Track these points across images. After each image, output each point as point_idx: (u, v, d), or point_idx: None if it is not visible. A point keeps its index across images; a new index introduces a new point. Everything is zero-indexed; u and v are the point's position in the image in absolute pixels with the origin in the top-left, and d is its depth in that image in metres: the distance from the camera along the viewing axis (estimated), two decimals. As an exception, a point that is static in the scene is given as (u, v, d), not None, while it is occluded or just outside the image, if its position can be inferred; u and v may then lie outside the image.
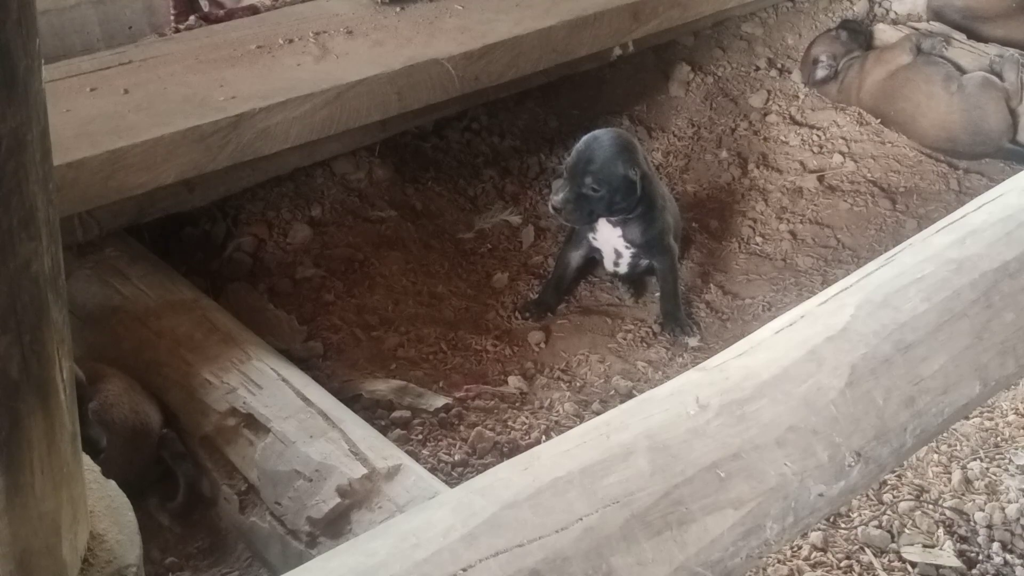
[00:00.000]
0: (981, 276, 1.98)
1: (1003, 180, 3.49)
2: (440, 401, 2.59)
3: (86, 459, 1.55)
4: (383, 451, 2.13)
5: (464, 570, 1.38)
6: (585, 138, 2.91)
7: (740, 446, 1.64)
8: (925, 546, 2.21)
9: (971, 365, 1.89)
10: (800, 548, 2.20)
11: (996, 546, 2.22)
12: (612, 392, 2.70)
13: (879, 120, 3.96)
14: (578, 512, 1.50)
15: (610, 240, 3.03)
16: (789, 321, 1.94)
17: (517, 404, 2.64)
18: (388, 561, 1.39)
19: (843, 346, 1.82)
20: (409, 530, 1.46)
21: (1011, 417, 2.59)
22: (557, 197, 2.87)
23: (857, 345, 1.83)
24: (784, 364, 1.79)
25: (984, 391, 1.92)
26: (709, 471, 1.60)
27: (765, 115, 4.03)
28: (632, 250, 3.03)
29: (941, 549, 2.20)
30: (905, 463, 2.42)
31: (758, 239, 3.41)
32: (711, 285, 3.19)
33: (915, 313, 1.90)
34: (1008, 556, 2.20)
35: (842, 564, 2.17)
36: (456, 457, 2.41)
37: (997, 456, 2.47)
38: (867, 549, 2.20)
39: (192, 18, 3.49)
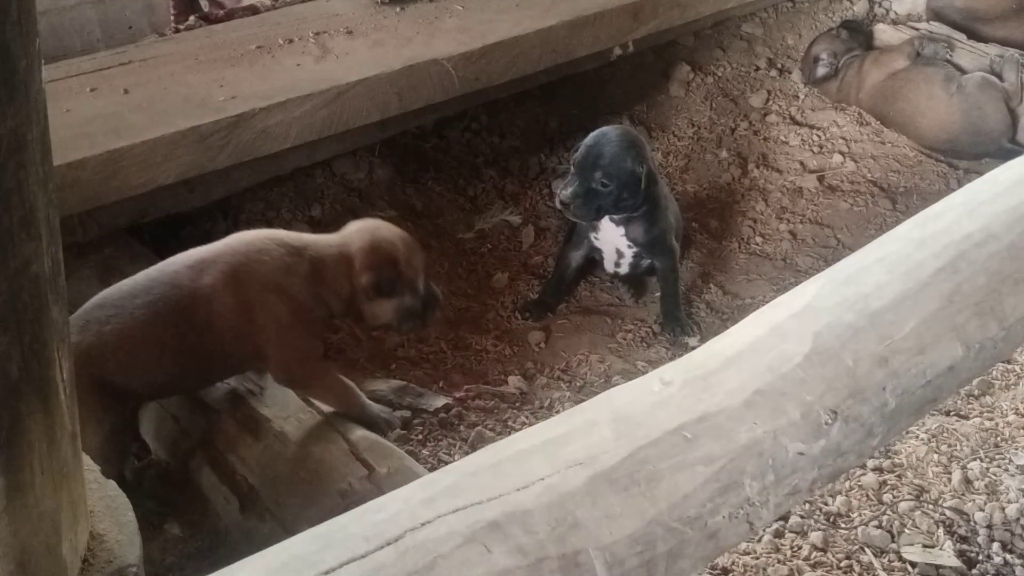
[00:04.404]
0: (944, 248, 1.99)
1: (1003, 180, 3.48)
2: (440, 401, 2.59)
3: (86, 459, 1.55)
4: (383, 451, 2.13)
5: (422, 524, 1.39)
6: (594, 133, 2.91)
7: (706, 410, 1.65)
8: (925, 546, 2.21)
9: (945, 325, 1.88)
10: (800, 548, 2.20)
11: (996, 546, 2.22)
12: (612, 392, 2.70)
13: (878, 121, 3.96)
14: (539, 474, 1.50)
15: (612, 240, 3.03)
16: (753, 314, 1.95)
17: (517, 404, 2.64)
18: (347, 523, 1.42)
19: (805, 320, 1.83)
20: (375, 505, 1.49)
21: (1011, 417, 2.59)
22: (566, 191, 2.86)
23: (820, 316, 1.83)
24: (748, 341, 1.80)
25: (970, 354, 1.91)
26: (675, 433, 1.60)
27: (765, 115, 4.03)
28: (634, 249, 3.03)
29: (941, 549, 2.20)
30: (905, 462, 2.42)
31: (758, 239, 3.41)
32: (711, 285, 3.19)
33: (878, 285, 1.90)
34: (1008, 556, 2.20)
35: (842, 564, 2.17)
36: (456, 457, 2.41)
37: (997, 456, 2.47)
38: (867, 549, 2.20)
39: (192, 18, 3.49)
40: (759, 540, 2.19)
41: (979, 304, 1.93)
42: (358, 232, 2.22)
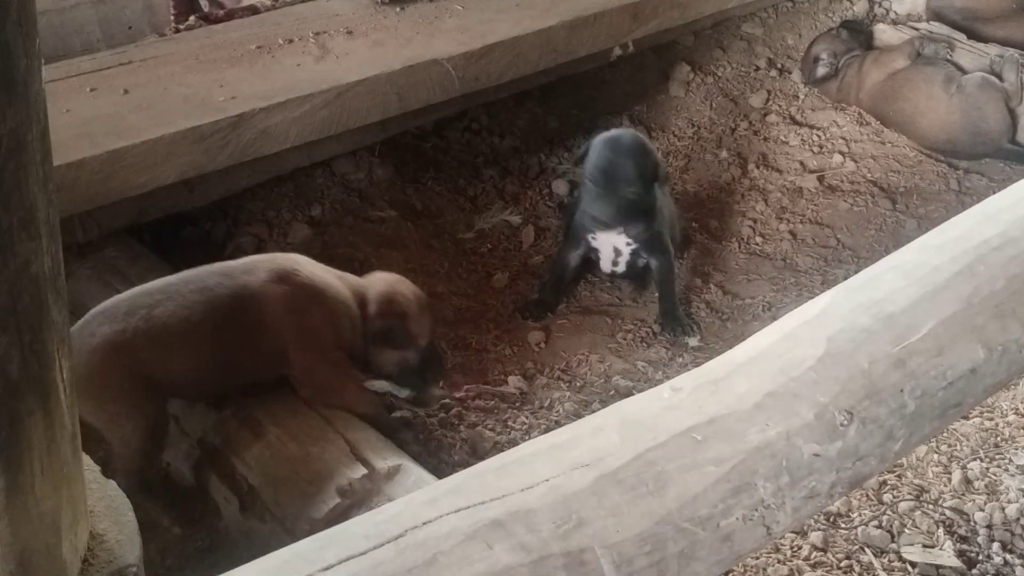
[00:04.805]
0: (961, 253, 1.99)
1: (1003, 180, 3.49)
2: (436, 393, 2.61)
3: (86, 459, 1.54)
4: (383, 451, 2.13)
5: (424, 523, 1.40)
6: (608, 144, 2.91)
7: (715, 413, 1.64)
8: (925, 546, 2.21)
9: (964, 327, 1.87)
10: (800, 548, 2.20)
11: (996, 546, 2.22)
12: (612, 392, 2.70)
13: (878, 121, 3.96)
14: (544, 475, 1.51)
15: (611, 239, 3.03)
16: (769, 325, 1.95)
17: (517, 404, 2.64)
18: (350, 525, 1.45)
19: (818, 325, 1.83)
20: (379, 508, 1.51)
21: (1011, 417, 2.59)
22: (607, 211, 2.88)
23: (832, 322, 1.83)
24: (760, 348, 1.80)
25: (993, 356, 1.88)
26: (683, 435, 1.60)
27: (765, 115, 4.03)
28: (632, 247, 3.03)
29: (941, 549, 2.20)
30: (905, 462, 2.42)
31: (758, 239, 3.41)
32: (711, 285, 3.19)
33: (893, 290, 1.89)
34: (1008, 556, 2.20)
35: (842, 564, 2.17)
36: (456, 457, 2.41)
37: (997, 456, 2.47)
38: (867, 549, 2.20)
39: (192, 18, 3.49)
40: (759, 540, 2.19)
41: (999, 306, 1.92)
42: (379, 281, 2.37)
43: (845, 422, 1.70)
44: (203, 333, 2.13)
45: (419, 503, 1.46)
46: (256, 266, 2.22)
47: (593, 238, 3.05)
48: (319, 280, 2.25)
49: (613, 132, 2.97)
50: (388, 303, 2.30)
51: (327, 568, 1.34)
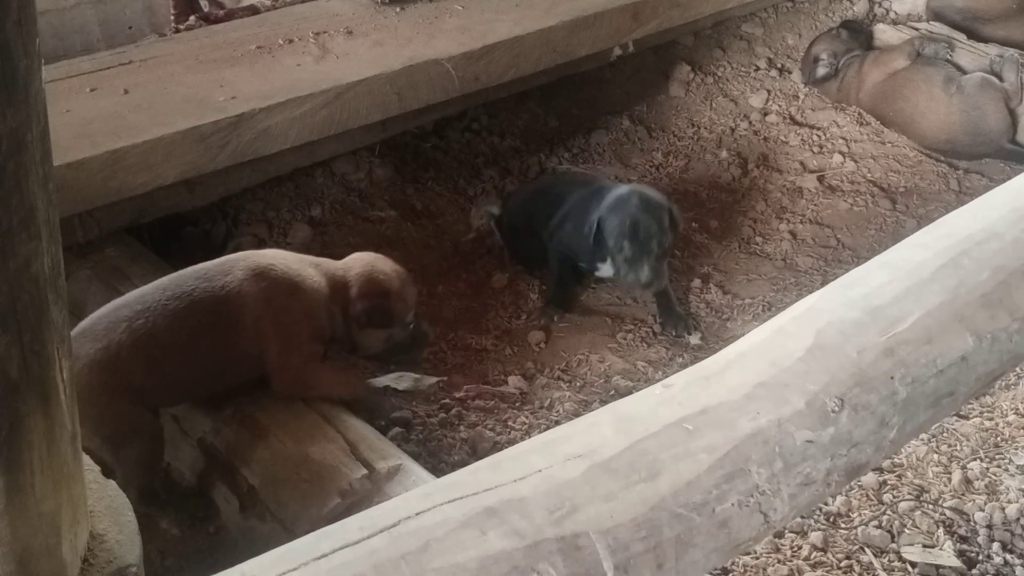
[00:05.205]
0: (945, 248, 2.02)
1: (1003, 180, 3.49)
2: (432, 379, 2.63)
3: (86, 459, 1.55)
4: (383, 451, 2.13)
5: (417, 514, 1.42)
6: (626, 205, 2.91)
7: (706, 404, 1.66)
8: (925, 546, 2.21)
9: (951, 317, 1.90)
10: (800, 548, 2.20)
11: (996, 546, 2.22)
12: (612, 392, 2.70)
13: (878, 121, 3.97)
14: (537, 466, 1.53)
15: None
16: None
17: (517, 404, 2.64)
18: (348, 520, 1.47)
19: (807, 320, 1.86)
20: (376, 505, 1.54)
21: (1011, 417, 2.59)
22: (644, 273, 2.88)
23: (821, 315, 1.86)
24: (749, 344, 1.83)
25: (983, 345, 1.92)
26: (675, 426, 1.62)
27: (765, 115, 4.03)
28: None
29: (941, 549, 2.20)
30: (905, 462, 2.43)
31: (758, 239, 3.41)
32: (711, 285, 3.19)
33: (880, 285, 1.93)
34: (1008, 556, 2.20)
35: (842, 564, 2.17)
36: (456, 457, 2.41)
37: (997, 456, 2.47)
38: (867, 549, 2.20)
39: (192, 18, 3.50)
40: (759, 540, 2.19)
41: (986, 296, 1.94)
42: (357, 261, 2.37)
43: (836, 409, 1.71)
44: (187, 338, 2.12)
45: (414, 498, 1.48)
46: (233, 265, 2.21)
47: (599, 273, 3.06)
48: (295, 273, 2.24)
49: (631, 194, 2.96)
50: (368, 283, 2.31)
51: (322, 556, 1.36)
